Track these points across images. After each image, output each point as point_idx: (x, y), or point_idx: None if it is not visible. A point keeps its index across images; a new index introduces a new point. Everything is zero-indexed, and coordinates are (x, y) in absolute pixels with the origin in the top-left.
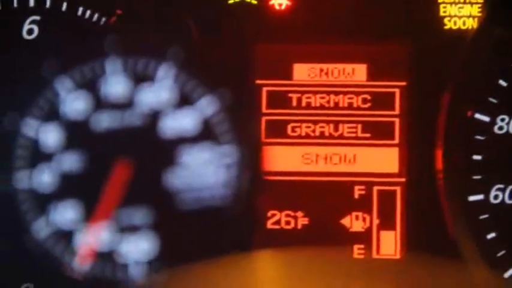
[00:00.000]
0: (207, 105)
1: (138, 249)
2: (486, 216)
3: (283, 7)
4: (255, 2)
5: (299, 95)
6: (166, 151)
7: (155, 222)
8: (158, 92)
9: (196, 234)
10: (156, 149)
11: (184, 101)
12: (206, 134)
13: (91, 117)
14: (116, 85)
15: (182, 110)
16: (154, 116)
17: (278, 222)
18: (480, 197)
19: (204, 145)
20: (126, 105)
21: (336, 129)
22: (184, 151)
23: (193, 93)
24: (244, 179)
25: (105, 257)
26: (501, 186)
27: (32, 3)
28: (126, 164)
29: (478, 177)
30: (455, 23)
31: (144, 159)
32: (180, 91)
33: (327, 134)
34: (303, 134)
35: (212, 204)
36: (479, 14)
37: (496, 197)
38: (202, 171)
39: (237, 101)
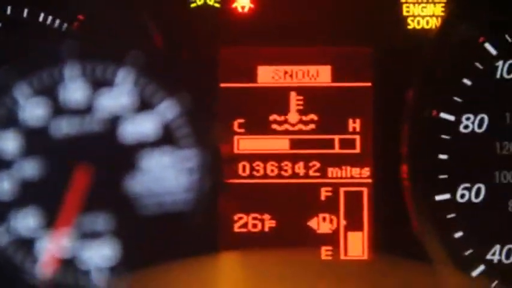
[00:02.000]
0: (167, 110)
1: (100, 255)
2: (453, 215)
3: (246, 10)
4: (218, 5)
5: (264, 97)
6: (127, 156)
7: (117, 228)
8: (118, 97)
9: (158, 239)
10: (116, 154)
11: (144, 105)
12: (167, 138)
13: (50, 124)
14: (74, 91)
15: (142, 114)
16: (114, 121)
17: (245, 225)
18: (447, 196)
19: (165, 149)
20: (86, 110)
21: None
22: (144, 156)
23: (153, 97)
24: (206, 183)
25: (67, 264)
26: (467, 185)
27: None
28: (86, 170)
29: (445, 176)
30: (418, 22)
31: (105, 165)
32: (140, 95)
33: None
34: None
35: (174, 209)
36: (443, 14)
37: (462, 196)
38: (164, 176)
39: (199, 104)
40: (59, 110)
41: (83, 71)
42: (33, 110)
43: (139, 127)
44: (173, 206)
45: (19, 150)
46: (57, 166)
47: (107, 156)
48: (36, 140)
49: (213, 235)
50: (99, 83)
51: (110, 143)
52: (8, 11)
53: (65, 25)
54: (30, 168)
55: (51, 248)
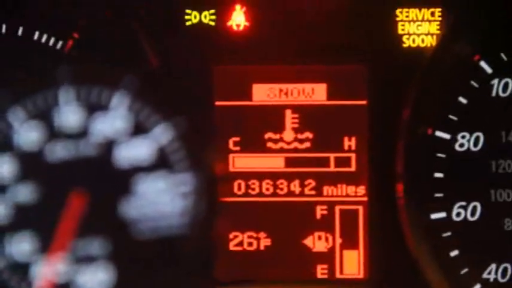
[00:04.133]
0: (162, 133)
1: (95, 280)
2: (449, 234)
3: (241, 28)
4: (213, 24)
5: (259, 115)
6: (122, 181)
7: (112, 253)
8: (112, 121)
9: (153, 263)
10: (111, 178)
11: (139, 129)
12: (161, 162)
13: (45, 148)
14: (69, 115)
15: (137, 138)
16: (109, 146)
17: (241, 243)
18: (442, 214)
19: (160, 174)
20: (80, 134)
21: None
22: (139, 180)
23: (148, 121)
24: (201, 206)
25: None
26: (463, 203)
27: None
28: (81, 194)
29: (440, 195)
30: (413, 40)
31: (100, 189)
32: (135, 119)
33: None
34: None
35: (169, 234)
36: (438, 32)
37: (458, 214)
38: (158, 200)
39: (194, 126)
40: (53, 134)
41: (78, 95)
42: (27, 134)
43: (134, 151)
44: (168, 230)
45: (14, 175)
46: (52, 190)
47: (102, 180)
48: (31, 164)
49: (209, 254)
50: (93, 107)
51: (105, 167)
52: (3, 29)
53: (60, 43)
54: (24, 193)
55: (46, 272)
